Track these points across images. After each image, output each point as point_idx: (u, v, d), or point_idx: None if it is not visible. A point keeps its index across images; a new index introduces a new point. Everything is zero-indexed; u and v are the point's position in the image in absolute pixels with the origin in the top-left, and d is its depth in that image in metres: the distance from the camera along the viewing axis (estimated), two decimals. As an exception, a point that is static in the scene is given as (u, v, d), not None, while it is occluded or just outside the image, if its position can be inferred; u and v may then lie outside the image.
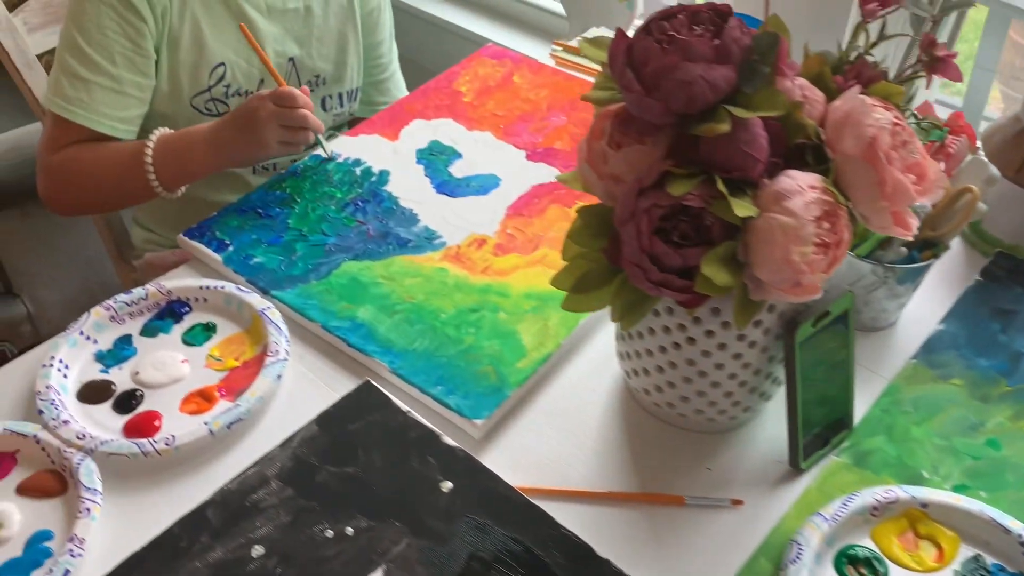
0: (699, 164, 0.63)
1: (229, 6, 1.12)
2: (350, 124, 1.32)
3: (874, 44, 0.69)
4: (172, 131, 1.07)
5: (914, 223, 0.65)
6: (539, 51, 1.63)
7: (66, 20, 1.07)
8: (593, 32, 1.36)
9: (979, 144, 0.91)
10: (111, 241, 1.38)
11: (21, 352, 1.63)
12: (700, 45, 0.61)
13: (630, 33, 0.63)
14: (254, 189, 1.20)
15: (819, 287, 0.62)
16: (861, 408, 0.80)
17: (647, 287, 0.63)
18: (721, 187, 0.60)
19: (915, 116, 0.77)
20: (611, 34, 1.37)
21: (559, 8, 1.70)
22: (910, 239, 0.66)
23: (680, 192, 0.60)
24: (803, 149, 0.65)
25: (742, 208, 0.59)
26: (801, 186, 0.61)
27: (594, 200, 0.99)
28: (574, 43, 1.33)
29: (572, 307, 0.67)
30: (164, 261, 1.26)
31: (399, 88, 1.36)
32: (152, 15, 1.06)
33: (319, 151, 1.10)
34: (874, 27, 0.70)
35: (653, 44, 0.61)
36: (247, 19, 1.12)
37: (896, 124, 0.63)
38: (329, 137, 1.28)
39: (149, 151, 1.04)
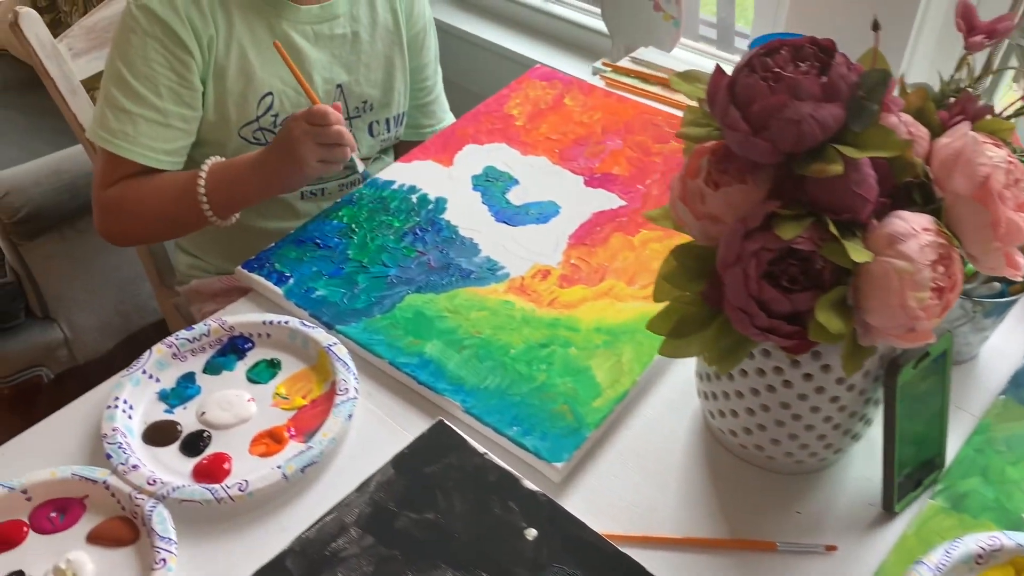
0: (804, 204, 0.61)
1: (276, 35, 1.10)
2: (395, 148, 1.31)
3: (979, 78, 0.66)
4: (223, 159, 1.06)
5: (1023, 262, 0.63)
6: (579, 69, 1.61)
7: (111, 52, 1.06)
8: (642, 52, 1.34)
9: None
10: (152, 266, 1.36)
11: (57, 377, 1.62)
12: (808, 83, 0.58)
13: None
14: (301, 215, 1.20)
15: (932, 333, 0.60)
16: (951, 447, 0.77)
17: (752, 333, 0.61)
18: (833, 230, 0.58)
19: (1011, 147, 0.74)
20: (659, 54, 1.36)
21: (597, 25, 1.68)
22: (1019, 278, 0.63)
23: (791, 235, 0.58)
24: (909, 188, 0.63)
25: (858, 252, 0.57)
26: (915, 228, 0.59)
27: (659, 232, 0.97)
28: (623, 63, 1.31)
29: (670, 353, 0.65)
30: (210, 287, 1.24)
31: (444, 110, 1.34)
32: (198, 47, 1.05)
33: (360, 170, 1.08)
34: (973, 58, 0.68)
35: (759, 82, 0.59)
36: (295, 47, 1.11)
37: (1009, 162, 0.61)
38: (375, 161, 1.27)
39: (202, 181, 1.02)
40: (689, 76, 0.67)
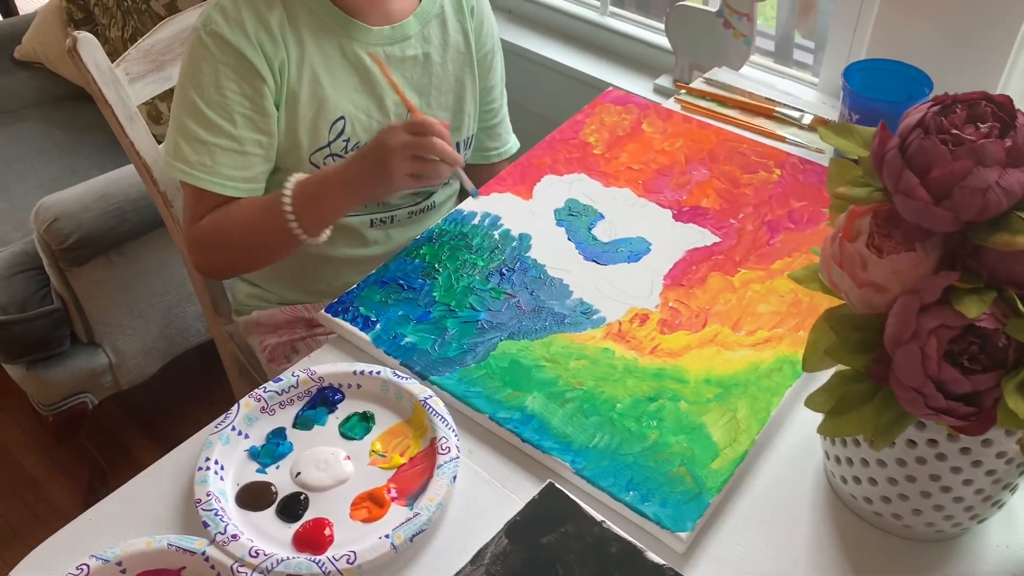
0: (981, 276, 0.56)
1: (348, 58, 1.06)
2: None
3: None
4: (306, 175, 1.01)
5: None
6: (639, 86, 1.56)
7: (182, 80, 1.01)
8: (715, 72, 1.29)
9: None
10: (205, 294, 1.32)
11: (101, 402, 1.58)
12: (993, 147, 0.54)
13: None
14: (370, 243, 1.16)
15: (1122, 414, 0.55)
16: (1095, 513, 0.73)
17: (924, 414, 0.56)
18: (1020, 307, 0.54)
19: None
20: (731, 74, 1.31)
21: (657, 40, 1.63)
22: None
23: (976, 312, 0.54)
24: (1089, 255, 0.58)
25: (1052, 333, 0.53)
26: (1108, 304, 0.54)
27: (759, 272, 0.92)
28: (697, 84, 1.26)
29: (831, 432, 0.61)
30: (272, 319, 1.20)
31: (509, 132, 1.30)
32: (270, 72, 1.00)
33: (469, 189, 1.03)
34: None
35: (938, 145, 0.55)
36: (366, 69, 1.07)
37: None
38: (443, 186, 1.22)
39: (287, 198, 0.98)
40: (843, 130, 0.62)
